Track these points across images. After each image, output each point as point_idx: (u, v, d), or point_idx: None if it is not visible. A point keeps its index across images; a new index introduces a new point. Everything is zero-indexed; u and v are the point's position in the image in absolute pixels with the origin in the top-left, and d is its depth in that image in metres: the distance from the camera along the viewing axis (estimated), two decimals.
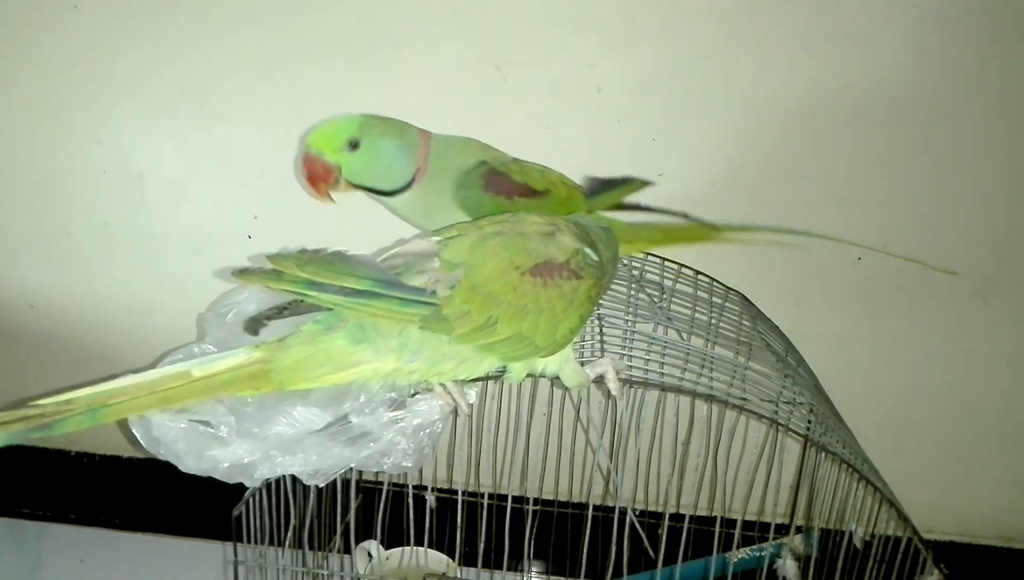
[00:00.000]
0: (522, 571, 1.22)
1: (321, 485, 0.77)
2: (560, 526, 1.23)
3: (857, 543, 0.92)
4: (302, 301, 0.71)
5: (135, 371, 0.70)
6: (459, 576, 1.10)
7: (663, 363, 0.88)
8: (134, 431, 0.74)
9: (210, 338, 0.83)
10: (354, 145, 0.84)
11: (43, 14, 1.13)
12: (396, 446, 0.77)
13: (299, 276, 0.65)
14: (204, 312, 0.86)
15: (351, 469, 0.79)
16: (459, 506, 0.99)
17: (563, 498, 1.23)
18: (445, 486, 1.21)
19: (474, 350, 0.71)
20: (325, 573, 0.99)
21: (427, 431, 0.79)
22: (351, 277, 0.66)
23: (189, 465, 0.74)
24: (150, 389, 0.68)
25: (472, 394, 0.83)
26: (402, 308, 0.67)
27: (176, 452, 0.74)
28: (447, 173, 0.87)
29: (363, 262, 0.68)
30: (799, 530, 1.14)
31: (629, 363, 0.86)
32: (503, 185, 0.87)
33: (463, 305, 0.68)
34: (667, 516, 0.93)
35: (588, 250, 0.75)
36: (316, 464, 0.76)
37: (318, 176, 0.86)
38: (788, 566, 1.09)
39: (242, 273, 0.67)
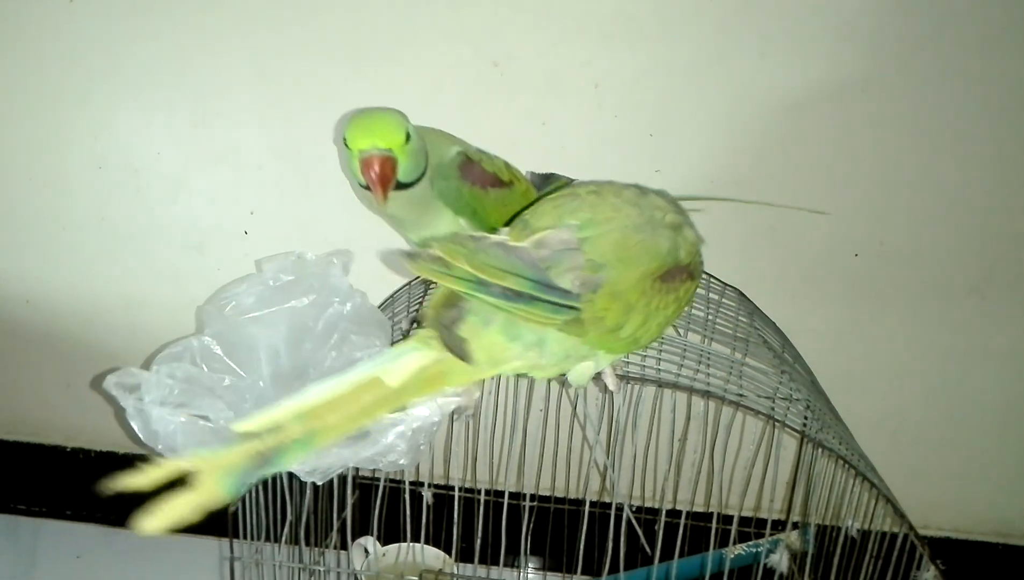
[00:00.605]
0: (519, 567, 1.22)
1: (319, 483, 0.77)
2: (557, 522, 1.23)
3: (853, 534, 0.92)
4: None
5: (316, 383, 0.65)
6: (456, 572, 1.10)
7: (660, 359, 0.88)
8: (132, 424, 0.74)
9: (209, 331, 0.83)
10: (408, 138, 0.80)
11: (39, 9, 1.13)
12: (395, 448, 0.77)
13: (469, 272, 0.62)
14: (203, 305, 0.86)
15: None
16: (456, 502, 0.99)
17: (560, 494, 1.24)
18: (442, 482, 1.21)
19: (590, 348, 0.70)
20: (321, 569, 0.99)
21: (425, 432, 0.78)
22: (512, 276, 0.63)
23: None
24: (349, 404, 0.64)
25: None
26: (552, 313, 0.65)
27: (174, 446, 0.73)
28: (431, 164, 0.86)
29: (521, 257, 0.65)
30: (795, 526, 1.14)
31: (626, 359, 0.86)
32: (477, 175, 0.87)
33: (601, 311, 0.67)
34: (664, 512, 0.93)
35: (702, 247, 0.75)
36: (314, 462, 0.76)
37: (388, 178, 0.80)
38: (781, 560, 1.09)
39: (411, 258, 0.63)
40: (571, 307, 0.65)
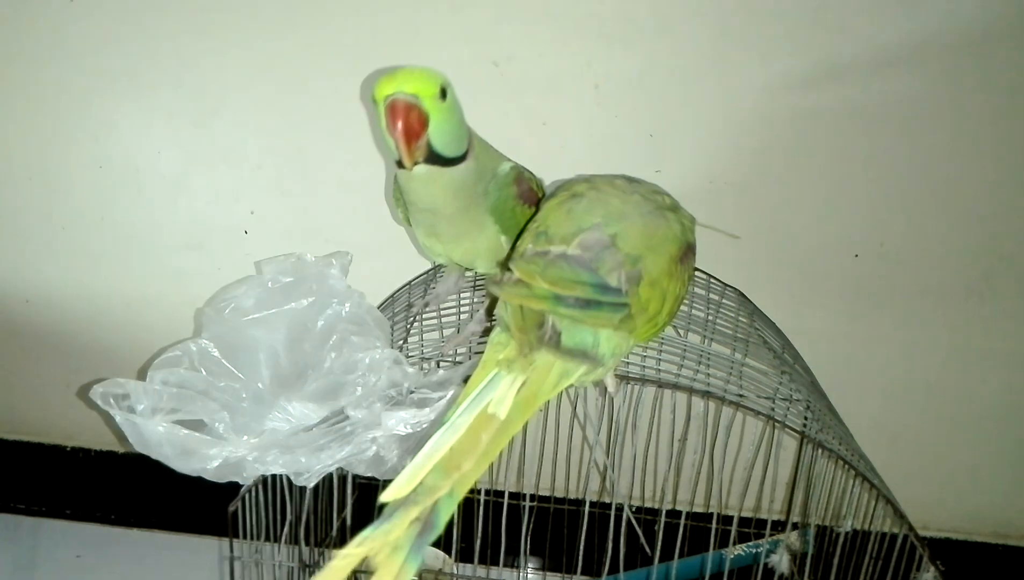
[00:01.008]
0: (519, 567, 1.22)
1: (309, 485, 0.77)
2: (556, 522, 1.23)
3: (847, 529, 0.92)
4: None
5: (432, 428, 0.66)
6: (455, 572, 1.10)
7: (660, 359, 0.88)
8: (125, 431, 0.74)
9: (207, 334, 0.83)
10: (444, 94, 0.72)
11: (39, 8, 1.13)
12: (386, 455, 0.77)
13: (547, 290, 0.63)
14: (203, 307, 0.86)
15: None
16: None
17: (560, 494, 1.24)
18: None
19: (633, 342, 0.71)
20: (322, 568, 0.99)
21: (415, 439, 0.78)
22: (580, 285, 0.64)
23: (179, 466, 0.74)
24: (473, 446, 0.62)
25: None
26: (612, 313, 0.65)
27: (165, 454, 0.73)
28: (487, 166, 0.82)
29: (581, 264, 0.65)
30: (795, 526, 1.14)
31: (626, 359, 0.86)
32: (526, 193, 0.85)
33: (645, 301, 0.67)
34: (663, 512, 0.93)
35: None
36: (305, 465, 0.75)
37: (414, 129, 0.70)
38: (781, 560, 1.09)
39: (498, 285, 0.64)
40: (624, 304, 0.66)
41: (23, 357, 1.33)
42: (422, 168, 0.74)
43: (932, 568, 0.80)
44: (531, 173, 0.89)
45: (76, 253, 1.25)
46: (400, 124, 0.70)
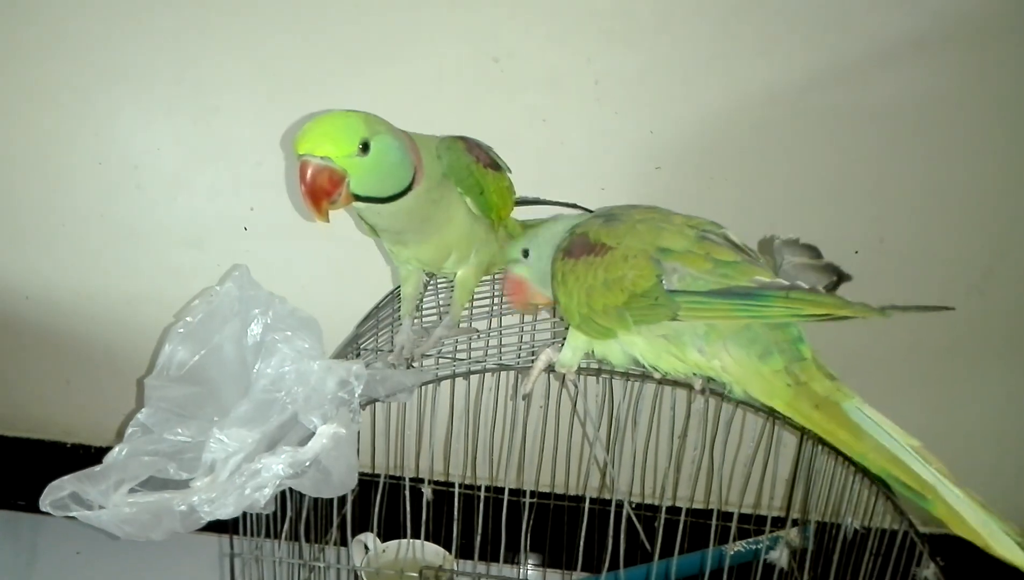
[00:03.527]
0: (519, 564, 1.22)
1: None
2: (557, 519, 1.23)
3: (854, 527, 0.92)
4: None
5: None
6: (456, 569, 1.10)
7: None
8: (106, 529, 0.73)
9: (150, 403, 0.80)
10: (365, 147, 0.71)
11: (39, 5, 1.13)
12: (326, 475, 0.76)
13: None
14: (143, 378, 0.83)
15: None
16: (456, 499, 0.99)
17: (560, 491, 1.24)
18: (442, 479, 1.21)
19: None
20: (321, 566, 0.99)
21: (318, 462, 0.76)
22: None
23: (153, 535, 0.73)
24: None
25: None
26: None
27: (127, 533, 0.72)
28: (431, 155, 0.81)
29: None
30: (795, 523, 1.15)
31: None
32: (480, 153, 0.86)
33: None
34: (664, 509, 0.93)
35: None
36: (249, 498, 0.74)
37: (323, 190, 0.70)
38: (781, 556, 1.09)
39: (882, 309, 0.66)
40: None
41: (23, 353, 1.33)
42: (361, 205, 0.75)
43: (932, 564, 0.80)
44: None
45: (76, 250, 1.25)
46: (304, 188, 0.70)
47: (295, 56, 1.12)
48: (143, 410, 0.80)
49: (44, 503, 0.72)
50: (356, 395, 0.78)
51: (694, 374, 0.76)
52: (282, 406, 0.78)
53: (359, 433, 1.13)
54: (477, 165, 0.84)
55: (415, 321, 0.96)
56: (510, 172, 0.93)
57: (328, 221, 0.73)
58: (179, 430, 0.79)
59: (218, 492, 0.72)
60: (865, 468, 0.70)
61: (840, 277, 0.73)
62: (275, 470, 0.73)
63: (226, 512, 0.72)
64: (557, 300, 0.79)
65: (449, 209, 0.84)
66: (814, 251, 0.75)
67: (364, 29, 1.10)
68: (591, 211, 0.93)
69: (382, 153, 0.73)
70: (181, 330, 0.84)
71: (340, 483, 0.76)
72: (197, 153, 1.18)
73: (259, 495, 0.72)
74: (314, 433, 0.76)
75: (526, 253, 0.84)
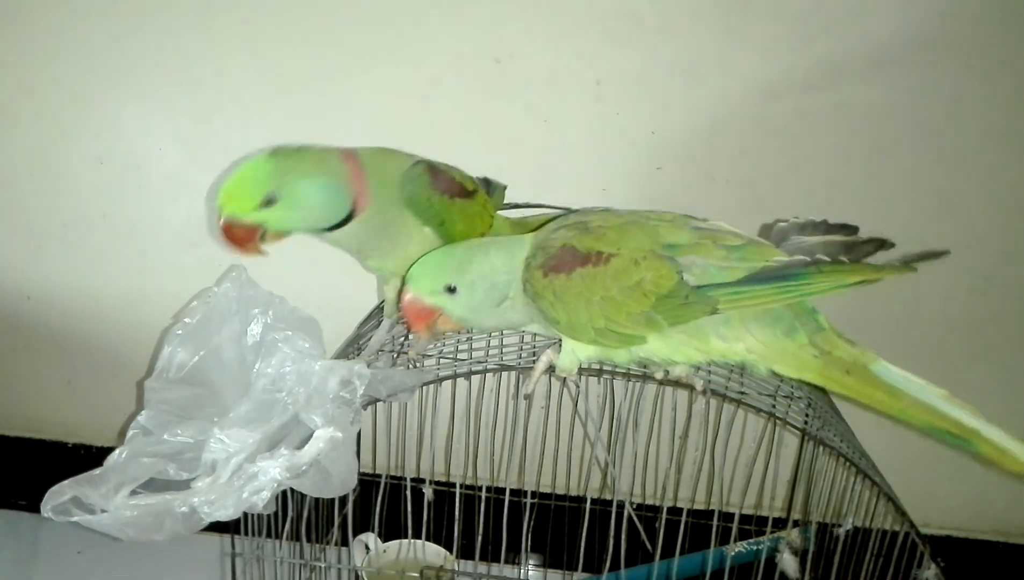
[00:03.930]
0: (520, 564, 1.22)
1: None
2: (558, 519, 1.23)
3: (848, 527, 0.93)
4: None
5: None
6: (456, 569, 1.10)
7: None
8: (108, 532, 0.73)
9: (150, 405, 0.81)
10: (270, 201, 0.74)
11: (40, 5, 1.13)
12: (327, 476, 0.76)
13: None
14: (147, 382, 0.82)
15: None
16: (457, 499, 0.99)
17: (561, 491, 1.24)
18: (443, 479, 1.21)
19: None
20: (322, 566, 0.99)
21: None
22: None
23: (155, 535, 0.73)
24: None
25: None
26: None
27: (130, 535, 0.72)
28: (390, 181, 0.82)
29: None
30: (796, 524, 1.14)
31: None
32: (446, 184, 0.84)
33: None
34: (665, 509, 0.93)
35: None
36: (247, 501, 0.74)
37: (240, 240, 0.76)
38: (787, 560, 1.09)
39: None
40: None
41: (24, 353, 1.33)
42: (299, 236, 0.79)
43: (933, 565, 0.80)
44: (444, 164, 0.88)
45: (77, 250, 1.25)
46: (224, 240, 0.76)
47: (297, 56, 1.12)
48: (143, 412, 0.79)
49: (46, 509, 0.72)
50: (358, 395, 0.78)
51: (708, 363, 0.77)
52: (283, 406, 0.78)
53: (360, 433, 1.14)
54: (441, 198, 0.83)
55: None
56: (503, 188, 0.91)
57: (265, 254, 0.78)
58: (179, 431, 0.78)
59: (218, 494, 0.72)
60: (908, 423, 0.73)
61: (878, 244, 0.74)
62: (272, 474, 0.72)
63: (226, 514, 0.72)
64: (552, 321, 0.75)
65: (407, 228, 0.83)
66: (848, 229, 0.77)
67: (365, 29, 1.10)
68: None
69: (295, 200, 0.75)
70: (179, 332, 0.83)
71: (340, 483, 0.76)
72: (199, 153, 1.18)
73: (257, 498, 0.72)
74: (315, 433, 0.76)
75: (451, 289, 0.75)
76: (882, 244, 0.72)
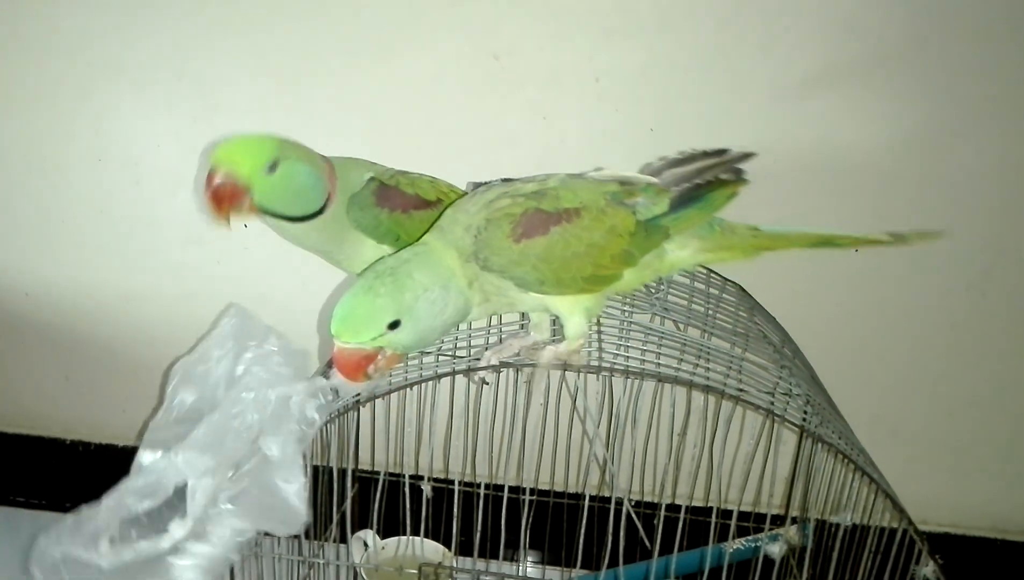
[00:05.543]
0: (518, 561, 1.22)
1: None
2: (556, 516, 1.24)
3: (846, 522, 0.93)
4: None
5: None
6: (455, 566, 1.10)
7: (660, 354, 0.88)
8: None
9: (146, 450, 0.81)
10: (273, 167, 0.77)
11: (39, 1, 1.12)
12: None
13: None
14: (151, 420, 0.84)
15: (348, 458, 0.79)
16: (455, 496, 0.99)
17: (559, 488, 1.24)
18: (441, 476, 1.21)
19: None
20: (321, 562, 0.99)
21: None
22: None
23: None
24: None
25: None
26: None
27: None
28: (347, 191, 0.85)
29: None
30: (795, 521, 1.15)
31: (626, 354, 0.87)
32: (396, 199, 0.85)
33: None
34: (663, 506, 0.93)
35: None
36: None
37: (224, 197, 0.77)
38: (775, 550, 1.09)
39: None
40: None
41: (22, 350, 1.33)
42: (269, 219, 0.82)
43: (931, 562, 0.80)
44: (405, 175, 0.88)
45: (75, 247, 1.24)
46: (208, 194, 0.77)
47: (295, 52, 1.12)
48: (142, 451, 0.81)
49: (35, 572, 0.73)
50: (316, 422, 0.78)
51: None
52: (237, 433, 0.77)
53: (359, 430, 1.14)
54: (391, 214, 0.85)
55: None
56: (444, 198, 0.91)
57: (229, 227, 0.79)
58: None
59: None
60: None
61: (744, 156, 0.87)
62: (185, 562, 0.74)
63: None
64: (536, 282, 0.77)
65: (362, 245, 0.86)
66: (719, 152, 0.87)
67: (364, 26, 1.10)
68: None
69: (289, 176, 0.79)
70: (178, 373, 0.85)
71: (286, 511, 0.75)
72: (197, 150, 1.18)
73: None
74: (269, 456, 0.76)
75: (395, 324, 0.72)
76: (747, 156, 0.86)
